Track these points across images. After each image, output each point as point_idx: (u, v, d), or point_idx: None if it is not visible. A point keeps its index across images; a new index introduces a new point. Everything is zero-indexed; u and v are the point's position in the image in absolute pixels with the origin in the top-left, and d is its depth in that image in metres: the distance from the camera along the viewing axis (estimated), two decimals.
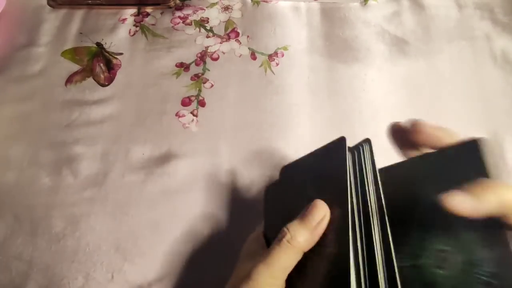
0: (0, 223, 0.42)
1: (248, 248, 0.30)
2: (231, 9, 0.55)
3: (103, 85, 0.50)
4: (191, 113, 0.48)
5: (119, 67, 0.51)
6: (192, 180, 0.44)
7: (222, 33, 0.53)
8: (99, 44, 0.53)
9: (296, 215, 0.26)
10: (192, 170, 0.45)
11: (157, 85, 0.50)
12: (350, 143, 0.46)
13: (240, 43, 0.53)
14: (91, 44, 0.53)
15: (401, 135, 0.30)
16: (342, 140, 0.29)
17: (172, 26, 0.54)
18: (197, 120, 0.48)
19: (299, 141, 0.46)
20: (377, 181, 0.26)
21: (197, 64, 0.51)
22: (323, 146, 0.30)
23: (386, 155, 0.46)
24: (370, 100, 0.49)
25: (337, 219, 0.25)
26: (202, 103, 0.49)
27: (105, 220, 0.43)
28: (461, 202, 0.21)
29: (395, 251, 0.22)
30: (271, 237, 0.28)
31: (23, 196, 0.44)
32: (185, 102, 0.49)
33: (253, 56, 0.52)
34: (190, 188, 0.44)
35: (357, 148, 0.29)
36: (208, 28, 0.54)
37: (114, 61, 0.52)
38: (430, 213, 0.23)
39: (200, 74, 0.50)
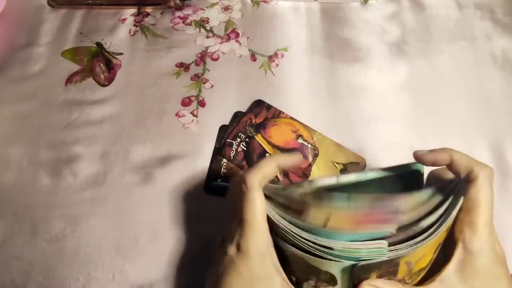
0: (0, 223, 0.42)
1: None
2: (231, 9, 0.55)
3: (103, 85, 0.50)
4: (191, 113, 0.48)
5: (119, 67, 0.51)
6: (192, 180, 0.44)
7: (222, 33, 0.53)
8: (99, 44, 0.53)
9: None
10: (192, 171, 0.45)
11: (157, 85, 0.50)
12: (349, 143, 0.46)
13: (240, 43, 0.53)
14: (91, 44, 0.53)
15: None
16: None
17: (172, 26, 0.54)
18: (197, 120, 0.48)
19: None
20: None
21: (197, 64, 0.51)
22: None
23: (385, 154, 0.46)
24: (370, 100, 0.49)
25: None
26: (202, 103, 0.49)
27: (105, 220, 0.43)
28: None
29: None
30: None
31: (23, 196, 0.44)
32: (185, 102, 0.49)
33: (253, 57, 0.52)
34: (190, 188, 0.44)
35: None
36: (208, 28, 0.54)
37: (114, 61, 0.52)
38: None
39: (200, 74, 0.50)
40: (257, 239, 0.29)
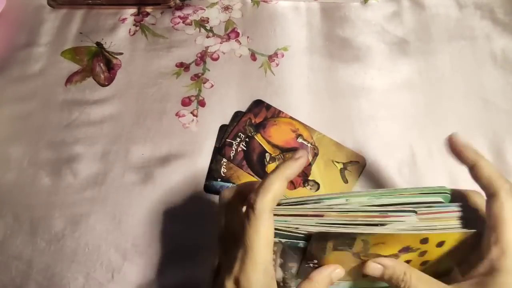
0: (0, 223, 0.42)
1: None
2: (231, 9, 0.55)
3: (103, 85, 0.50)
4: (191, 113, 0.48)
5: (119, 67, 0.51)
6: (192, 180, 0.44)
7: (222, 33, 0.53)
8: (99, 44, 0.53)
9: None
10: (192, 170, 0.45)
11: (157, 85, 0.50)
12: (349, 142, 0.46)
13: (240, 43, 0.53)
14: (91, 44, 0.53)
15: None
16: None
17: (172, 26, 0.54)
18: (197, 120, 0.48)
19: None
20: None
21: (197, 64, 0.51)
22: None
23: (385, 153, 0.46)
24: (370, 99, 0.49)
25: None
26: (202, 103, 0.49)
27: (105, 220, 0.43)
28: None
29: None
30: None
31: (23, 196, 0.44)
32: (185, 102, 0.49)
33: (253, 56, 0.52)
34: (190, 188, 0.44)
35: None
36: (208, 28, 0.54)
37: (114, 61, 0.52)
38: None
39: (200, 74, 0.50)
40: (260, 274, 0.26)
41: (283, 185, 0.28)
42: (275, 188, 0.27)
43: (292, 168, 0.28)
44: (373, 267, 0.30)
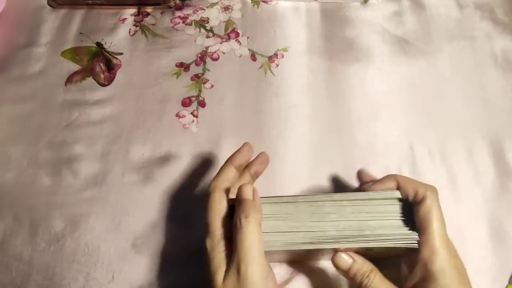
0: (0, 223, 0.42)
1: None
2: (231, 9, 0.55)
3: (103, 85, 0.50)
4: (191, 113, 0.48)
5: (119, 67, 0.51)
6: (192, 180, 0.44)
7: (222, 33, 0.53)
8: (99, 44, 0.53)
9: None
10: (191, 171, 0.45)
11: (157, 85, 0.50)
12: (349, 143, 0.46)
13: (240, 43, 0.53)
14: (91, 44, 0.53)
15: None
16: None
17: (172, 26, 0.54)
18: (197, 121, 0.48)
19: (299, 142, 0.46)
20: None
21: (197, 64, 0.51)
22: None
23: (386, 154, 0.46)
24: (370, 100, 0.49)
25: None
26: (202, 104, 0.49)
27: (105, 220, 0.43)
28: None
29: None
30: None
31: (23, 196, 0.44)
32: (185, 103, 0.49)
33: (253, 57, 0.52)
34: (190, 188, 0.44)
35: None
36: (208, 28, 0.54)
37: (114, 61, 0.52)
38: None
39: (200, 74, 0.50)
40: (213, 238, 0.31)
41: (232, 171, 0.35)
42: (223, 173, 0.34)
43: (237, 156, 0.36)
44: (343, 259, 0.32)
